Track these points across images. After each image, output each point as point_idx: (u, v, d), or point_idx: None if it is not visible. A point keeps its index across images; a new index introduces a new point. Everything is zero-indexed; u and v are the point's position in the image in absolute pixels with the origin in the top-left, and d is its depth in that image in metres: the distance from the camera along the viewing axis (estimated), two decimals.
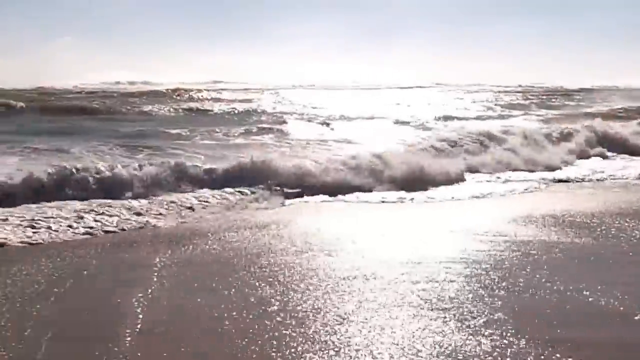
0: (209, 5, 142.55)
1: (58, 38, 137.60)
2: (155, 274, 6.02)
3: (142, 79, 62.58)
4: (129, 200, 9.25)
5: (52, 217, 8.01)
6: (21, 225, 7.67)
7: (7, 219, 7.88)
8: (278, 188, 10.39)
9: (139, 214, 8.54)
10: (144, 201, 9.24)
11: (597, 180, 12.65)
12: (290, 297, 5.32)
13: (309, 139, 17.93)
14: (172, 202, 9.28)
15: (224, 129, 20.37)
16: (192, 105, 31.29)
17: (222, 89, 44.63)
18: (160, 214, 8.70)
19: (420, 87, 57.14)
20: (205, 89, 41.91)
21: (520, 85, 59.54)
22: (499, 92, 49.61)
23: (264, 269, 6.15)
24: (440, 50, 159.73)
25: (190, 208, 9.06)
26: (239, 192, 10.07)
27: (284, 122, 23.74)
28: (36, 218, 7.94)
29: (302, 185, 10.65)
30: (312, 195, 10.36)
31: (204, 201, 9.48)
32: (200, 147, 15.87)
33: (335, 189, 10.59)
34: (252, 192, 10.10)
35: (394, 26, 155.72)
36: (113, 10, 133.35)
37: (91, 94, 36.24)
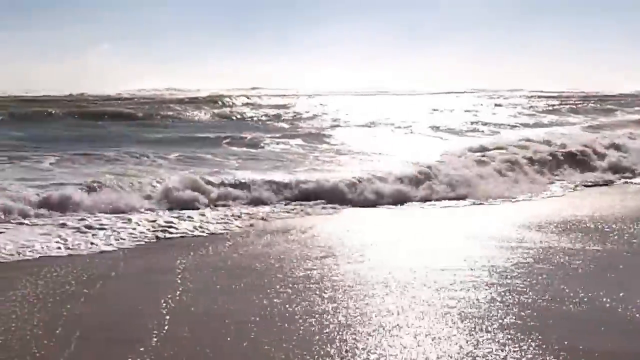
0: (247, 13, 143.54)
1: (96, 45, 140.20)
2: (182, 278, 6.20)
3: (180, 86, 63.16)
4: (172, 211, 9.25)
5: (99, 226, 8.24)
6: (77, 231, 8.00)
7: (64, 224, 8.22)
8: (321, 202, 10.19)
9: (186, 225, 8.56)
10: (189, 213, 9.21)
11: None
12: (317, 302, 5.40)
13: (349, 149, 17.52)
14: (225, 215, 9.23)
15: (257, 134, 20.44)
16: (227, 110, 31.47)
17: (260, 95, 44.81)
18: (205, 221, 8.76)
19: (454, 92, 56.61)
20: (243, 95, 42.13)
21: (561, 92, 58.63)
22: (534, 97, 49.06)
23: (291, 275, 6.28)
24: (475, 55, 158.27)
25: (237, 216, 9.11)
26: (283, 204, 10.06)
27: (326, 128, 23.69)
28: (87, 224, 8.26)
29: (340, 198, 10.39)
30: (348, 206, 10.15)
31: (247, 213, 9.43)
32: (231, 153, 16.11)
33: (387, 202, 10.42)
34: (297, 206, 9.98)
35: (428, 31, 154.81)
36: (151, 18, 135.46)
37: (128, 100, 36.78)
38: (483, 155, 14.19)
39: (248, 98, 39.21)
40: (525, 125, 27.55)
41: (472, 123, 26.75)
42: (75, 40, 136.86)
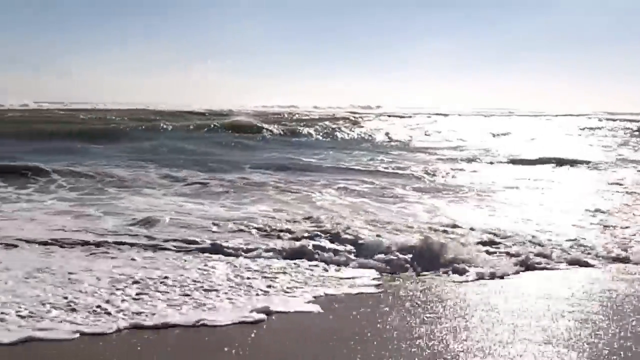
0: (344, 29, 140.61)
1: (203, 61, 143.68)
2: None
3: (293, 103, 63.25)
4: None
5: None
6: None
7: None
8: None
9: None
10: None
11: None
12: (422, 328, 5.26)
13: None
14: None
15: (422, 159, 19.11)
16: (367, 129, 30.47)
17: (385, 114, 44.07)
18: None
19: (584, 115, 52.30)
20: (372, 113, 41.56)
21: None
22: None
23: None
24: (590, 73, 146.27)
25: None
26: None
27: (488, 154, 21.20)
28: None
29: None
30: None
31: None
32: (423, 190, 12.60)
33: None
34: None
35: (519, 48, 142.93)
36: (253, 35, 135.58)
37: (256, 115, 36.50)
38: None
39: (378, 116, 38.63)
40: None
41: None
42: (177, 55, 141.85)
